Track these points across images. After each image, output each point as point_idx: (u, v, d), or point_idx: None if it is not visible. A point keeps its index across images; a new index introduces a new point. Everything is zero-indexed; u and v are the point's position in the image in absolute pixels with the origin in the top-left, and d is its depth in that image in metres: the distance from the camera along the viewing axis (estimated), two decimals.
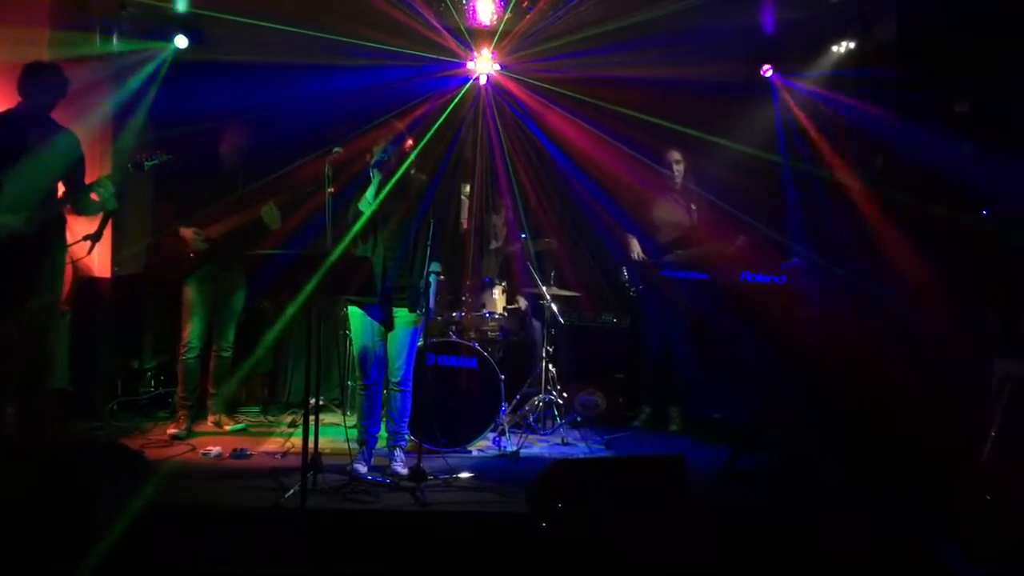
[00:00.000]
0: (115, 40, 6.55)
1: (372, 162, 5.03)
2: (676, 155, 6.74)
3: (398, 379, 5.15)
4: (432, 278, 5.21)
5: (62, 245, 5.15)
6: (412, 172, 5.21)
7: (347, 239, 4.98)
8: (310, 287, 4.46)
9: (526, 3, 6.30)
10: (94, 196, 5.12)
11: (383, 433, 5.35)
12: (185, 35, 6.69)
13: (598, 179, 7.29)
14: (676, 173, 6.73)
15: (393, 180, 5.09)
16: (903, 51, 6.00)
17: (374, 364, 5.15)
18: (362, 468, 5.03)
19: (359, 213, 5.03)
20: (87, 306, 6.27)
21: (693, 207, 6.72)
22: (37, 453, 4.18)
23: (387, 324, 5.09)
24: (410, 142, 5.25)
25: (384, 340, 5.15)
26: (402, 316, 5.10)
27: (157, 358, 6.97)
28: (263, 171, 6.08)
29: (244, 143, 6.11)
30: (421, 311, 5.09)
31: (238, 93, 6.25)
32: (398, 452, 5.21)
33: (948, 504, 4.21)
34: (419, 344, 5.26)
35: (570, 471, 4.30)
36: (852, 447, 5.22)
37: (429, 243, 5.00)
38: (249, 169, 6.09)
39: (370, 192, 5.01)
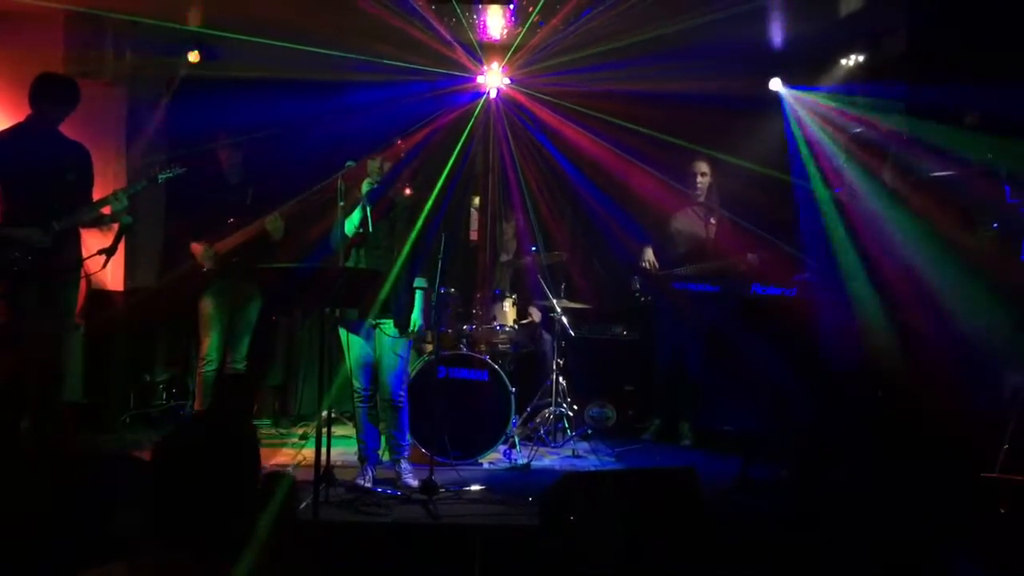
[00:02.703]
0: (128, 57, 6.61)
1: (364, 193, 5.04)
2: (704, 167, 6.69)
3: (389, 395, 5.16)
4: (418, 294, 5.22)
5: (77, 259, 5.19)
6: (401, 192, 5.23)
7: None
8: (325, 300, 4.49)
9: (537, 18, 6.33)
10: (106, 210, 5.17)
11: (384, 447, 5.38)
12: (198, 51, 6.74)
13: (609, 191, 7.32)
14: (700, 184, 6.69)
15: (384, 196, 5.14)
16: (912, 64, 6.01)
17: (367, 373, 5.18)
18: (366, 485, 5.04)
19: (345, 236, 5.04)
20: (100, 319, 6.32)
21: (712, 221, 6.71)
22: (52, 466, 4.21)
23: (369, 338, 5.13)
24: (401, 148, 5.27)
25: (371, 353, 5.17)
26: (387, 330, 5.11)
27: (169, 371, 7.01)
28: (273, 185, 6.13)
29: (240, 162, 6.13)
30: (412, 330, 5.14)
31: (250, 109, 6.29)
32: (404, 464, 5.23)
33: (962, 515, 4.20)
34: (417, 358, 5.29)
35: (581, 483, 4.30)
36: (866, 457, 5.21)
37: (407, 257, 5.04)
38: (258, 183, 6.14)
39: (357, 217, 5.02)
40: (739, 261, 6.47)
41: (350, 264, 5.08)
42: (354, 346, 5.15)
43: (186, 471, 2.01)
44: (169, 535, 1.97)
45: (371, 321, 5.07)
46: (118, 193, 5.17)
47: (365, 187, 5.04)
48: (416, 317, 5.22)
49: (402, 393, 5.20)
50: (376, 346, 5.16)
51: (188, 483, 2.00)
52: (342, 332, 5.15)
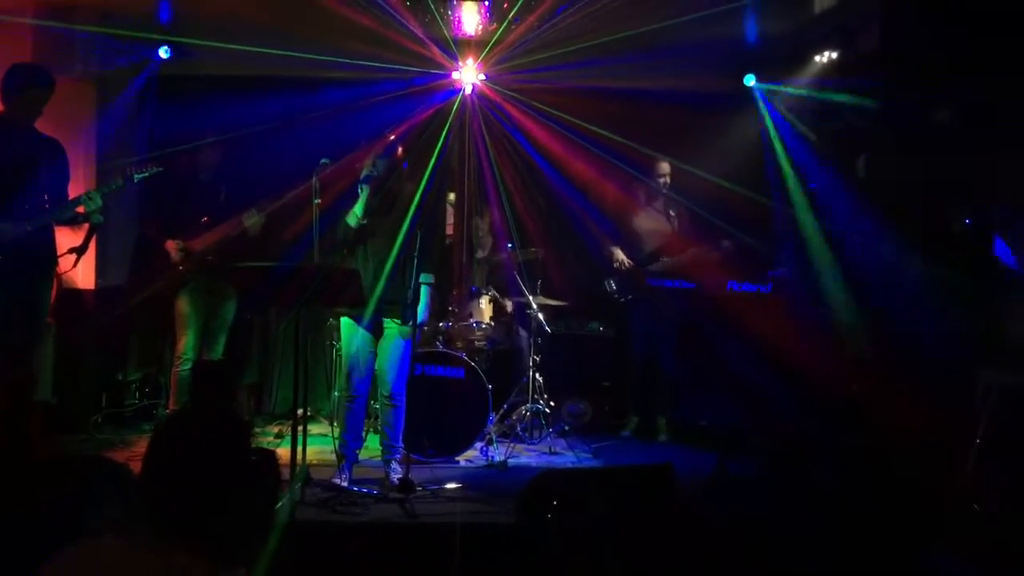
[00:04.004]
0: (98, 53, 6.51)
1: (361, 177, 5.02)
2: (666, 167, 6.74)
3: (389, 392, 5.14)
4: (424, 289, 5.21)
5: (51, 257, 5.11)
6: (403, 183, 5.21)
7: (336, 253, 5.00)
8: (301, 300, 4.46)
9: (512, 14, 6.32)
10: (80, 209, 5.09)
11: (377, 447, 5.36)
12: (168, 47, 6.67)
13: (583, 189, 7.33)
14: (663, 184, 6.76)
15: (382, 192, 5.11)
16: (885, 61, 6.05)
17: (362, 375, 5.14)
18: (342, 484, 5.02)
19: (348, 227, 5.03)
20: (71, 318, 6.24)
21: (672, 214, 6.76)
22: (22, 467, 4.15)
23: (376, 333, 5.10)
24: (400, 151, 5.26)
25: (374, 352, 5.15)
26: (392, 328, 5.10)
27: (142, 370, 6.93)
28: (246, 184, 6.08)
29: (216, 161, 6.12)
30: (409, 322, 5.10)
31: (223, 109, 6.24)
32: (394, 464, 5.20)
33: (937, 511, 4.23)
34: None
35: (559, 481, 4.31)
36: (841, 453, 5.24)
37: (417, 254, 5.01)
38: (231, 183, 6.10)
39: (359, 207, 5.00)
40: (712, 248, 6.51)
41: (359, 259, 5.06)
42: (356, 341, 5.11)
43: (181, 462, 2.07)
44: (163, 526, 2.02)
45: (401, 320, 5.06)
46: (91, 193, 5.08)
47: (364, 172, 5.01)
48: (420, 312, 5.20)
49: (401, 392, 5.17)
50: (381, 342, 5.14)
51: (184, 474, 2.06)
52: (345, 325, 5.13)
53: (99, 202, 5.05)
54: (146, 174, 5.33)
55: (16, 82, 4.99)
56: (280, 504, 4.39)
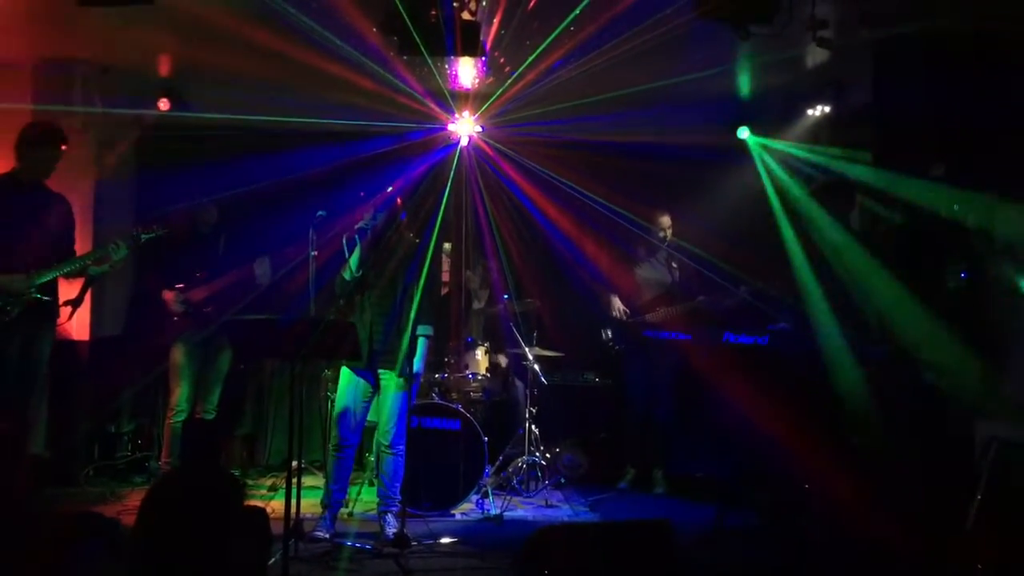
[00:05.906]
0: (97, 105, 6.57)
1: (356, 227, 5.03)
2: (667, 220, 6.77)
3: (388, 442, 5.12)
4: (421, 341, 5.20)
5: (55, 311, 5.11)
6: (401, 234, 5.23)
7: (333, 306, 5.01)
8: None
9: (508, 68, 6.38)
10: (92, 262, 5.12)
11: (374, 498, 5.31)
12: (167, 101, 6.73)
13: (579, 240, 7.35)
14: (662, 238, 6.78)
15: (379, 245, 5.13)
16: (878, 114, 6.11)
17: (352, 426, 5.12)
18: (323, 535, 4.97)
19: (344, 281, 5.03)
20: (65, 369, 6.20)
21: (674, 265, 6.78)
22: (10, 523, 4.09)
23: (372, 384, 5.08)
24: (398, 203, 5.28)
25: (368, 403, 5.13)
26: (391, 378, 5.08)
27: (134, 422, 6.88)
28: (245, 235, 6.11)
29: (215, 216, 6.21)
30: (407, 374, 5.09)
31: (219, 164, 6.30)
32: (390, 518, 5.16)
33: (937, 569, 4.18)
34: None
35: (556, 537, 4.26)
36: (836, 508, 5.20)
37: (416, 305, 5.02)
38: (230, 232, 6.13)
39: (353, 260, 5.01)
40: (687, 302, 6.54)
41: (356, 311, 5.08)
42: (351, 391, 5.10)
43: (173, 522, 2.07)
44: None
45: (398, 372, 5.06)
46: (118, 241, 5.15)
47: (360, 224, 5.04)
48: (416, 363, 5.20)
49: (401, 441, 5.16)
50: (381, 393, 5.14)
51: (176, 534, 2.06)
52: (344, 374, 5.11)
53: (124, 251, 5.09)
54: (151, 235, 5.38)
55: (32, 140, 5.06)
56: (272, 560, 4.34)
